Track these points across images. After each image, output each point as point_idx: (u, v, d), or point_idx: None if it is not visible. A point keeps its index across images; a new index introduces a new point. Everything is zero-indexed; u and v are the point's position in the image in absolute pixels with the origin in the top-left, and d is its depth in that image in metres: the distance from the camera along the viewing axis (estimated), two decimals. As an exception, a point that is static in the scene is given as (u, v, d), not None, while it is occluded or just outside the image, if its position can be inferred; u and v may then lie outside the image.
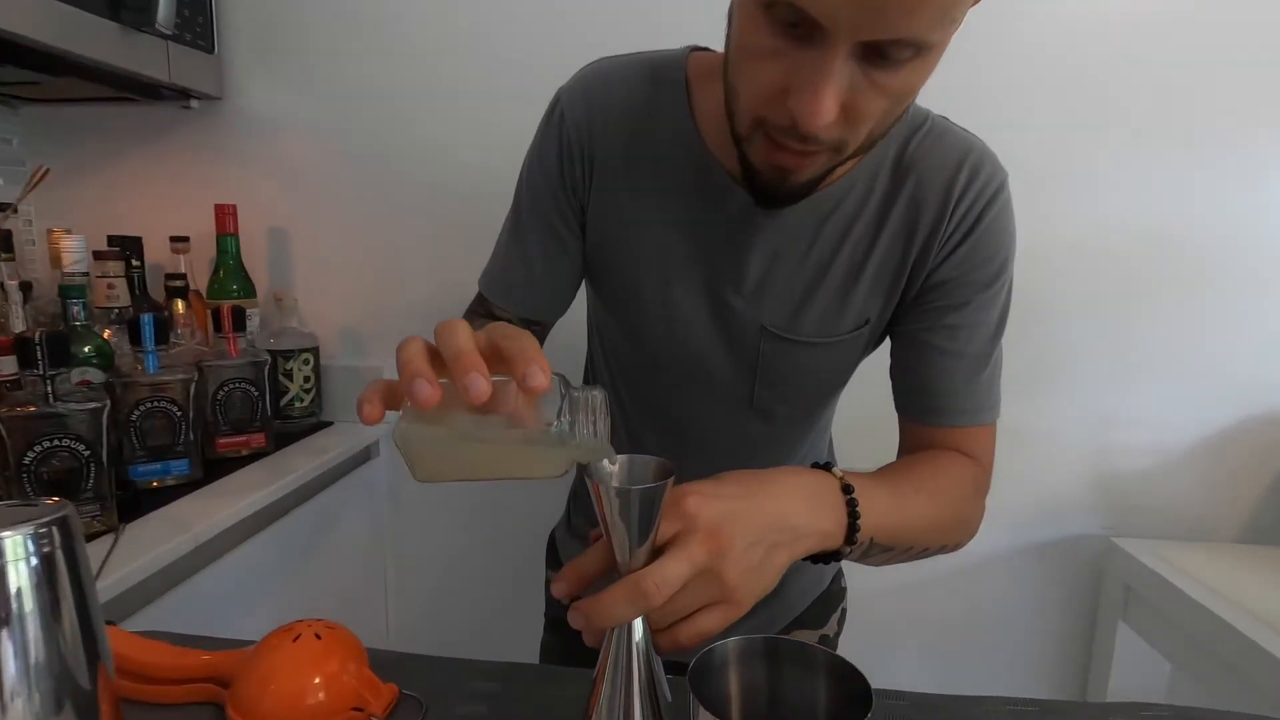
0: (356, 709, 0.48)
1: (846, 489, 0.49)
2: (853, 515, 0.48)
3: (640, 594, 0.38)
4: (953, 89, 0.62)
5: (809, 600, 0.79)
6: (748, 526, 0.42)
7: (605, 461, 0.42)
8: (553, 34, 1.15)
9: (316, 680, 0.48)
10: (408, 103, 1.21)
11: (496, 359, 0.36)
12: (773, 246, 0.60)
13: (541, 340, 0.69)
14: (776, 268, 0.61)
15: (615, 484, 0.40)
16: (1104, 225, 1.14)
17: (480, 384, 0.34)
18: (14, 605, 0.34)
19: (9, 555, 0.34)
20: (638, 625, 0.39)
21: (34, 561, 0.35)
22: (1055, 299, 1.16)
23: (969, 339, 0.60)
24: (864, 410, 0.88)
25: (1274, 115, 1.09)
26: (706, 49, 0.63)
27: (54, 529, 0.35)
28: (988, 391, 0.62)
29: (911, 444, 0.65)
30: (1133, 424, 1.18)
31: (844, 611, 0.85)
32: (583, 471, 0.40)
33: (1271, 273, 1.13)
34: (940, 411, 0.62)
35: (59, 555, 0.36)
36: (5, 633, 0.34)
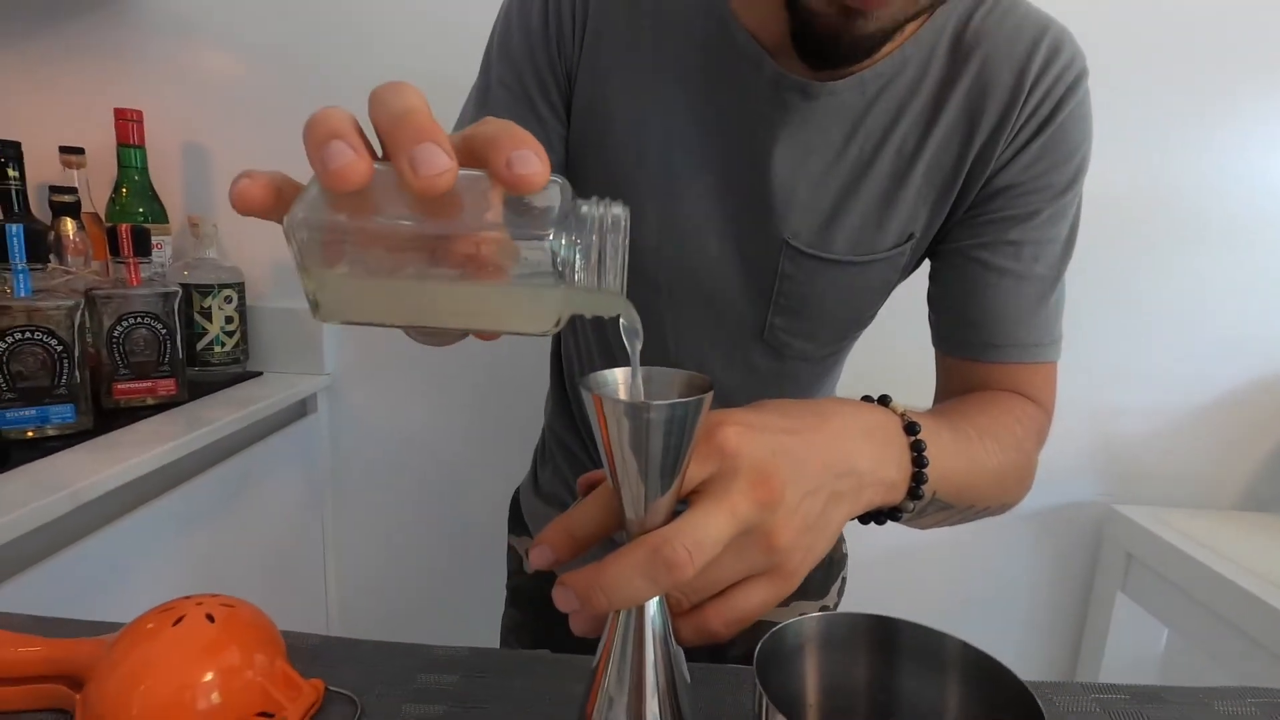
0: (265, 715, 0.35)
1: (911, 428, 0.38)
2: (919, 463, 0.37)
3: (664, 563, 0.26)
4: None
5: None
6: (804, 470, 0.31)
7: (615, 375, 0.29)
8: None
9: (208, 677, 0.35)
10: (358, 5, 1.04)
11: (470, 155, 0.23)
12: (803, 139, 0.48)
13: None
14: (806, 166, 0.49)
15: (628, 398, 0.28)
16: (1107, 180, 1.07)
17: (438, 158, 0.21)
18: None
19: None
20: (653, 607, 0.28)
21: None
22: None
23: (1035, 258, 0.50)
24: (872, 357, 0.79)
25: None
26: None
27: None
28: (1053, 322, 0.53)
29: (956, 387, 0.54)
30: (1133, 385, 1.12)
31: (844, 580, 0.76)
32: (579, 383, 0.27)
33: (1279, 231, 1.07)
34: (997, 346, 0.51)
35: None
36: None
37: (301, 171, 0.25)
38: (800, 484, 0.31)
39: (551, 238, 0.23)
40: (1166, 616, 1.03)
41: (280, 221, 0.23)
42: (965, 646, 0.25)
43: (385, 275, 0.24)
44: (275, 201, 0.23)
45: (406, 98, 0.23)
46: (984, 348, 0.51)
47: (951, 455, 0.40)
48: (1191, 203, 1.07)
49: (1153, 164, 1.06)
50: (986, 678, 0.24)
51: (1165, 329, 1.11)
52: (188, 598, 0.38)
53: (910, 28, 0.47)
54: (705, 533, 0.27)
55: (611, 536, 0.31)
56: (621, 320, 0.27)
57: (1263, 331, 1.10)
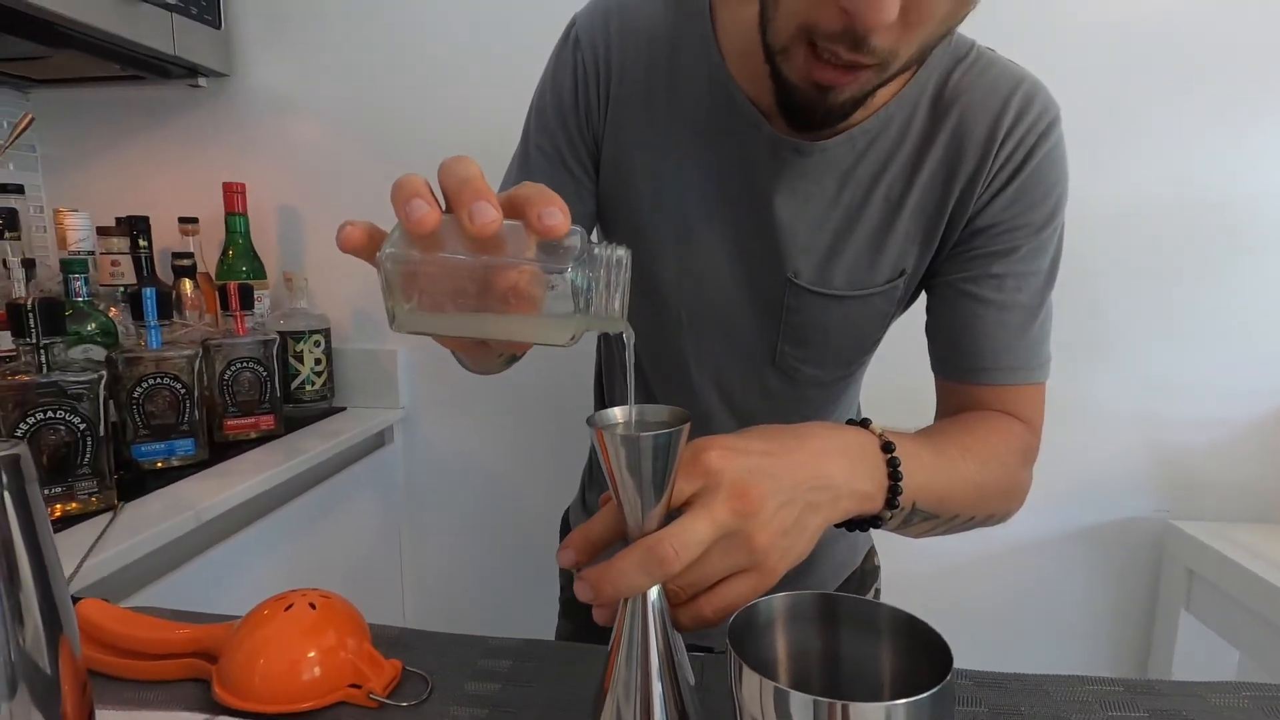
0: (355, 685, 0.43)
1: (887, 447, 0.43)
2: (894, 476, 0.43)
3: (656, 559, 0.32)
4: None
5: (841, 578, 0.73)
6: (779, 484, 0.37)
7: (615, 413, 0.36)
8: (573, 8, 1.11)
9: (310, 654, 0.43)
10: (419, 79, 1.17)
11: (511, 210, 0.31)
12: (801, 189, 0.55)
13: None
14: (804, 212, 0.55)
15: (623, 431, 0.35)
16: (1160, 187, 1.07)
17: (488, 211, 0.29)
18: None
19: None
20: (654, 596, 0.34)
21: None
22: (1105, 263, 1.09)
23: (1018, 288, 0.54)
24: (892, 382, 0.83)
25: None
26: None
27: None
28: (1038, 347, 0.56)
29: (951, 408, 0.58)
30: (1188, 397, 1.10)
31: (878, 592, 0.79)
32: (587, 421, 0.34)
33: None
34: (985, 370, 0.55)
35: (7, 501, 0.31)
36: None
37: (382, 224, 0.34)
38: (776, 496, 0.36)
39: (570, 270, 0.31)
40: (1234, 637, 1.00)
41: (368, 259, 0.32)
42: (893, 611, 0.30)
43: (447, 292, 0.32)
44: (368, 242, 0.32)
45: (467, 168, 0.31)
46: (974, 372, 0.55)
47: (930, 470, 0.44)
48: (1245, 210, 1.06)
49: (1211, 170, 1.05)
50: (909, 633, 0.29)
51: (1220, 340, 1.09)
52: (294, 590, 0.46)
53: (893, 88, 0.53)
54: (690, 535, 0.33)
55: (622, 542, 0.37)
56: (624, 334, 0.35)
57: (1328, 339, 1.07)
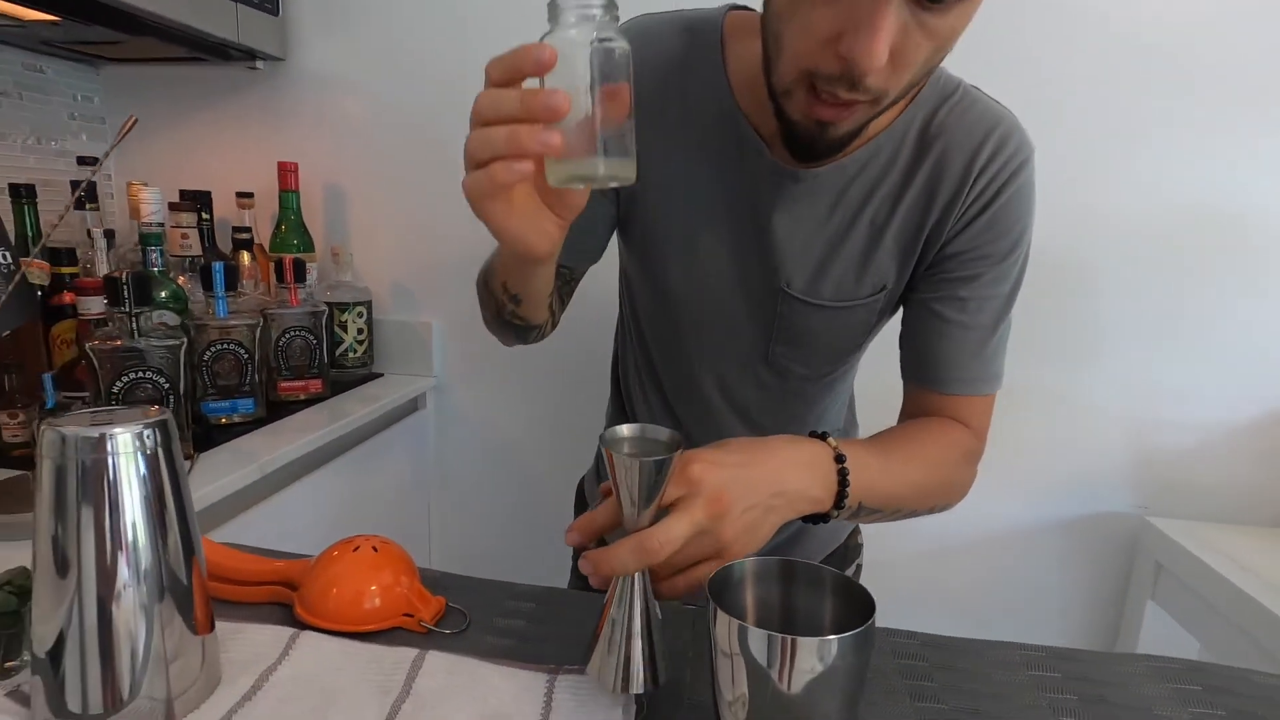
0: (407, 615, 0.53)
1: (839, 458, 0.52)
2: (843, 484, 0.52)
3: (645, 551, 0.42)
4: (1000, 55, 0.61)
5: (825, 553, 0.82)
6: (746, 491, 0.46)
7: (622, 430, 0.44)
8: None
9: (373, 587, 0.53)
10: (462, 64, 1.24)
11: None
12: (796, 210, 0.61)
13: (570, 291, 0.71)
14: (798, 231, 0.61)
15: (627, 452, 0.43)
16: (1154, 193, 1.11)
17: (558, 99, 0.39)
18: (125, 497, 0.39)
19: (121, 449, 0.39)
20: (639, 572, 0.43)
21: (141, 459, 0.40)
22: (1100, 267, 1.13)
23: (978, 310, 0.61)
24: (889, 376, 0.90)
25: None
26: (744, 8, 0.63)
27: (157, 430, 0.41)
28: (990, 363, 0.63)
29: (912, 408, 0.66)
30: (1175, 399, 1.15)
31: (859, 567, 0.87)
32: (600, 437, 0.43)
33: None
34: (941, 380, 0.63)
35: (160, 454, 0.41)
36: (117, 523, 0.39)
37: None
38: (744, 501, 0.46)
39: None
40: (1195, 629, 1.07)
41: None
42: (835, 574, 0.39)
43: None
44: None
45: (511, 93, 0.42)
46: (934, 381, 0.63)
47: (876, 475, 0.53)
48: (1239, 218, 1.09)
49: (1203, 178, 1.09)
50: (847, 591, 0.38)
51: (1209, 346, 1.13)
52: (360, 535, 0.56)
53: (884, 121, 0.58)
54: (673, 532, 0.42)
55: (620, 529, 0.46)
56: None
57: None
